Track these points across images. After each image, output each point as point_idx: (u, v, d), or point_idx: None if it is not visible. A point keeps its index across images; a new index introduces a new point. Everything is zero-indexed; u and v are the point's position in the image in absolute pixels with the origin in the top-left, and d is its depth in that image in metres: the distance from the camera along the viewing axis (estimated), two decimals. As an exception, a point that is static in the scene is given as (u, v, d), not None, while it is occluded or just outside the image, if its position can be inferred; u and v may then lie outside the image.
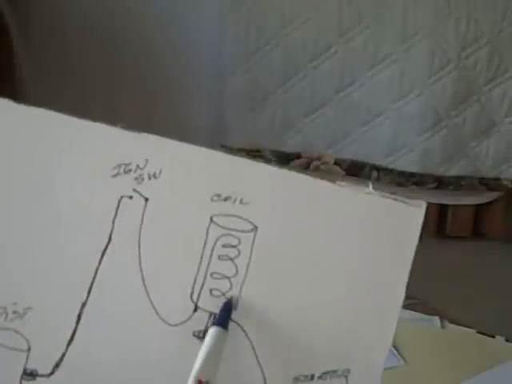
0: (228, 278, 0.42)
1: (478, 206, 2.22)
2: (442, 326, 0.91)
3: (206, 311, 0.43)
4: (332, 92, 2.08)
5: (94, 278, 0.42)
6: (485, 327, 0.92)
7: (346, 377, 0.44)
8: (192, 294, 0.42)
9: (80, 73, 2.17)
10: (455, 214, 2.22)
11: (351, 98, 2.08)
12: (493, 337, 0.90)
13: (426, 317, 0.93)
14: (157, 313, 0.42)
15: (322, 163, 2.14)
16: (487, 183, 2.14)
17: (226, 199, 0.43)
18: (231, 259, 0.43)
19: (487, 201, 2.20)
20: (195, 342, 0.41)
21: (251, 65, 2.09)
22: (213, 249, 0.43)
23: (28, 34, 2.16)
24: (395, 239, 0.44)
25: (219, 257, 0.43)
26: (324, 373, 0.43)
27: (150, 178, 0.43)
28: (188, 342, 0.41)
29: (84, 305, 0.43)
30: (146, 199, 0.43)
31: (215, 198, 0.43)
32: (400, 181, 2.14)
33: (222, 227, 0.43)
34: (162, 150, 0.43)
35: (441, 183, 2.13)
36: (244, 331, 0.42)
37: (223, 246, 0.43)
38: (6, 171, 0.43)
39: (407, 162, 2.11)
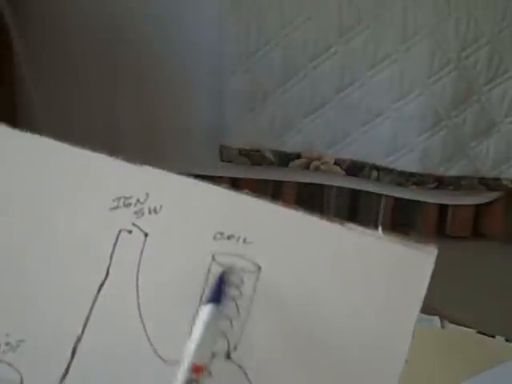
0: (230, 318, 0.42)
1: (478, 206, 2.22)
2: (442, 326, 0.91)
3: None
4: (332, 92, 2.08)
5: (90, 312, 0.42)
6: (485, 327, 0.92)
7: None
8: (191, 333, 0.41)
9: (80, 73, 2.17)
10: (455, 214, 2.22)
11: (351, 98, 2.08)
12: (493, 337, 0.90)
13: (426, 317, 0.93)
14: (155, 351, 0.41)
15: (321, 163, 2.14)
16: (487, 183, 2.14)
17: (229, 238, 0.42)
18: (233, 299, 0.42)
19: (487, 201, 2.20)
20: None
21: (251, 65, 2.09)
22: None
23: (28, 34, 2.16)
24: (404, 285, 0.43)
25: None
26: None
27: (150, 213, 0.42)
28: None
29: (79, 340, 0.42)
30: (146, 234, 0.42)
31: (218, 236, 0.42)
32: (400, 181, 2.14)
33: (224, 266, 0.42)
34: (164, 184, 0.42)
35: (441, 183, 2.13)
36: (244, 373, 0.42)
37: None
38: (3, 199, 0.42)
39: (407, 162, 2.11)
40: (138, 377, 0.41)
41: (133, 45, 2.14)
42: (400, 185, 2.15)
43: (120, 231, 0.42)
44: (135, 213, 0.42)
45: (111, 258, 0.42)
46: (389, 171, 2.13)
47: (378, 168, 2.14)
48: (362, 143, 2.12)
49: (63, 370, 0.42)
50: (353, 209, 2.27)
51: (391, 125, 2.08)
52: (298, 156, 2.09)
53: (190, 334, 0.41)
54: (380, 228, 0.42)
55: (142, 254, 0.42)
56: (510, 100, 2.05)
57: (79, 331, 0.42)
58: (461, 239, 2.22)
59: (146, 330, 0.41)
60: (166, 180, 0.42)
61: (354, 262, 0.42)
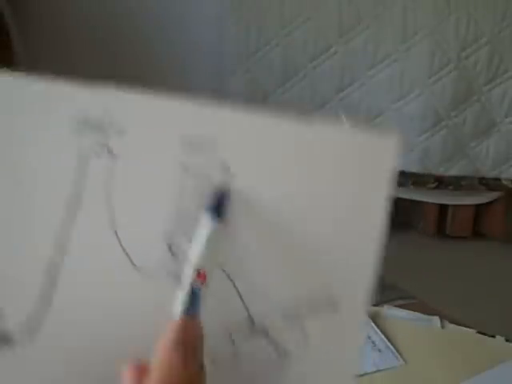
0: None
1: (478, 205, 2.22)
2: (442, 326, 0.91)
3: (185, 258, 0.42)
4: (332, 92, 2.08)
5: (64, 233, 0.42)
6: (485, 327, 0.92)
7: (333, 307, 0.44)
8: (171, 246, 0.42)
9: (80, 72, 2.17)
10: (455, 214, 2.22)
11: (351, 98, 2.08)
12: (493, 337, 0.90)
13: (425, 317, 0.93)
14: (132, 263, 0.42)
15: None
16: (487, 183, 2.14)
17: (196, 145, 0.42)
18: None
19: (487, 201, 2.20)
20: (173, 286, 0.41)
21: (251, 65, 2.09)
22: (188, 195, 0.42)
23: (28, 34, 2.16)
24: (370, 169, 0.43)
25: (198, 206, 0.42)
26: (311, 305, 0.43)
27: (117, 134, 0.42)
28: (165, 286, 0.41)
29: (57, 265, 0.42)
30: (115, 156, 0.43)
31: (186, 145, 0.42)
32: (400, 181, 2.14)
33: (196, 173, 0.42)
34: (128, 104, 0.42)
35: (441, 183, 2.13)
36: (226, 273, 0.42)
37: (199, 193, 0.42)
38: None
39: (407, 162, 2.11)
40: (123, 294, 0.42)
41: (133, 45, 2.14)
42: (400, 185, 2.15)
43: (90, 154, 0.42)
44: (103, 135, 0.42)
45: (80, 181, 0.42)
46: (389, 171, 2.13)
47: (377, 168, 2.14)
48: (362, 143, 2.12)
49: (38, 293, 0.42)
50: (353, 209, 2.26)
51: (391, 125, 2.08)
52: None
53: (169, 248, 0.42)
54: (343, 118, 0.42)
55: (112, 174, 0.42)
56: (510, 100, 2.05)
57: (51, 253, 0.42)
58: (461, 239, 2.22)
59: (122, 245, 0.42)
60: (130, 99, 0.42)
61: (321, 155, 0.43)
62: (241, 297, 0.43)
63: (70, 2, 2.19)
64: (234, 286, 0.43)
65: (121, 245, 0.42)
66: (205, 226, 0.41)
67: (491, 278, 2.06)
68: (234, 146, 0.43)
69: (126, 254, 0.42)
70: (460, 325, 0.93)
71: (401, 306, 0.96)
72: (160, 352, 0.37)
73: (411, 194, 2.20)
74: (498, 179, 2.13)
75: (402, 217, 2.28)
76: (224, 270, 0.42)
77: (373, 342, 0.87)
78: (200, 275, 0.39)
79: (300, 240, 0.43)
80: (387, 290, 1.07)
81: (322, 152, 0.43)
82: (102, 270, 0.42)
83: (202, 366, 0.38)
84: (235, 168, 0.43)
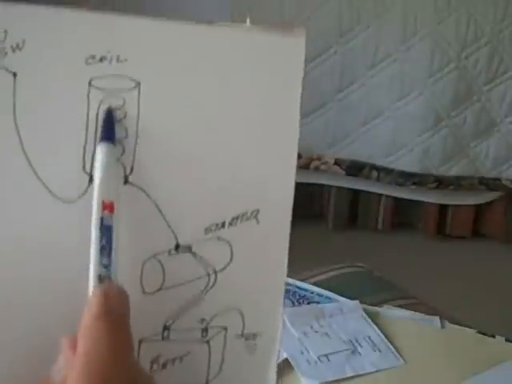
0: (119, 141, 0.40)
1: (477, 205, 2.22)
2: (442, 326, 0.91)
3: None
4: (332, 92, 2.08)
5: None
6: (485, 327, 0.92)
7: (256, 217, 0.43)
8: (84, 165, 0.40)
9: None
10: (455, 214, 2.22)
11: (351, 98, 2.08)
12: (493, 337, 0.90)
13: (426, 317, 0.93)
14: (51, 192, 0.40)
15: (321, 163, 2.14)
16: (487, 183, 2.14)
17: (101, 59, 0.40)
18: (119, 121, 0.40)
19: (487, 201, 2.20)
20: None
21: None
22: (97, 114, 0.40)
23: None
24: (281, 72, 0.42)
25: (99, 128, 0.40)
26: (234, 218, 0.43)
27: (13, 51, 0.39)
28: (89, 215, 0.39)
29: None
30: (14, 74, 0.39)
31: (90, 60, 0.40)
32: (400, 181, 2.14)
33: (103, 89, 0.40)
34: (22, 17, 0.39)
35: (441, 183, 2.13)
36: (145, 193, 0.41)
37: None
38: None
39: (407, 162, 2.11)
40: (41, 223, 0.40)
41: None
42: (400, 185, 2.15)
43: None
44: None
45: None
46: (389, 171, 2.13)
47: (377, 168, 2.14)
48: (362, 143, 2.12)
49: None
50: (353, 209, 2.27)
51: (391, 125, 2.08)
52: (298, 156, 2.08)
53: (83, 168, 0.40)
54: (248, 20, 0.42)
55: (14, 94, 0.39)
56: (510, 100, 2.06)
57: None
58: (461, 239, 2.22)
59: (37, 175, 0.40)
60: (24, 13, 0.39)
61: (230, 57, 0.41)
62: (161, 212, 0.41)
63: (71, 1, 2.19)
64: (153, 202, 0.41)
65: (35, 173, 0.40)
66: (98, 153, 0.39)
67: (491, 278, 2.06)
68: (142, 59, 0.41)
69: (42, 182, 0.40)
70: (460, 325, 0.93)
71: (401, 306, 0.96)
72: (84, 320, 0.36)
73: (411, 194, 2.20)
74: (498, 179, 2.13)
75: (402, 217, 2.28)
76: (140, 187, 0.41)
77: (373, 342, 0.87)
78: (106, 206, 0.38)
79: (214, 152, 0.42)
80: (387, 290, 1.07)
81: (228, 55, 0.41)
82: (17, 199, 0.40)
83: (129, 332, 0.37)
84: (143, 81, 0.40)
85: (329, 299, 0.95)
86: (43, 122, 0.40)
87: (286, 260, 0.44)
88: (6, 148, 0.40)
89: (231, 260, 0.43)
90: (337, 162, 2.15)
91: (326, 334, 0.87)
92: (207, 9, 2.10)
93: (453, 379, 0.83)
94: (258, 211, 0.43)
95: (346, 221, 2.26)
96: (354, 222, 2.27)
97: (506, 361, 0.85)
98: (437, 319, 0.92)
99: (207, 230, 0.42)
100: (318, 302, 0.94)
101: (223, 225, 0.43)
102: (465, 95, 2.05)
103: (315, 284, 0.99)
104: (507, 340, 0.90)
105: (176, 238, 0.42)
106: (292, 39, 0.42)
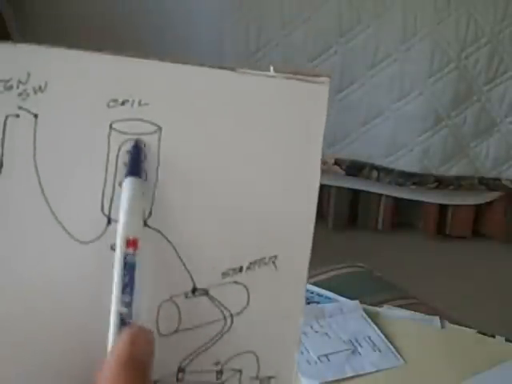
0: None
1: (477, 205, 2.22)
2: (442, 326, 0.91)
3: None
4: (332, 92, 2.07)
5: None
6: (485, 327, 0.92)
7: (274, 263, 0.43)
8: (103, 207, 0.40)
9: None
10: (455, 214, 2.22)
11: (351, 97, 2.08)
12: (493, 337, 0.90)
13: (426, 317, 0.93)
14: (69, 234, 0.40)
15: (321, 163, 2.14)
16: (487, 183, 2.14)
17: (123, 103, 0.40)
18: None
19: (487, 201, 2.20)
20: (114, 256, 0.40)
21: (251, 65, 2.09)
22: (117, 157, 0.40)
23: (28, 34, 2.16)
24: (304, 119, 0.43)
25: (125, 164, 0.40)
26: (252, 263, 0.43)
27: (35, 93, 0.39)
28: (106, 256, 0.39)
29: None
30: (35, 115, 0.40)
31: (112, 103, 0.40)
32: (400, 181, 2.14)
33: (124, 133, 0.40)
34: (45, 60, 0.40)
35: (441, 183, 2.13)
36: (163, 236, 0.41)
37: (128, 152, 0.40)
38: None
39: (407, 162, 2.11)
40: (59, 263, 0.40)
41: (133, 45, 2.14)
42: (400, 185, 2.15)
43: (7, 117, 0.39)
44: (19, 95, 0.39)
45: (2, 146, 0.39)
46: (389, 171, 2.13)
47: (377, 168, 2.14)
48: (362, 143, 2.12)
49: None
50: (353, 209, 2.27)
51: (391, 125, 2.08)
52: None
53: (101, 210, 0.40)
54: (272, 68, 0.41)
55: (35, 136, 0.40)
56: (510, 100, 2.05)
57: None
58: (461, 239, 2.22)
59: (56, 217, 0.40)
60: (47, 55, 0.40)
61: (253, 104, 0.41)
62: (179, 256, 0.42)
63: (70, 2, 2.19)
64: (172, 245, 0.41)
65: (54, 215, 0.40)
66: (125, 188, 0.39)
67: (491, 277, 2.06)
68: (164, 103, 0.41)
69: (61, 224, 0.40)
70: (460, 325, 0.93)
71: (401, 306, 0.96)
72: (109, 366, 0.35)
73: (411, 194, 2.20)
74: (498, 179, 2.13)
75: (402, 217, 2.28)
76: (159, 231, 0.41)
77: (373, 342, 0.87)
78: (130, 243, 0.38)
79: (234, 197, 0.42)
80: (387, 290, 1.07)
81: (251, 102, 0.41)
82: (35, 241, 0.40)
83: (151, 380, 0.36)
84: (164, 125, 0.41)
85: (329, 299, 0.95)
86: (63, 164, 0.40)
87: (303, 305, 0.44)
88: (25, 189, 0.40)
89: (248, 304, 0.43)
90: (337, 162, 2.15)
91: (326, 334, 0.87)
92: (207, 8, 2.10)
93: (453, 379, 0.83)
94: (275, 257, 0.43)
95: (346, 221, 2.26)
96: (354, 222, 2.27)
97: (506, 361, 0.85)
98: (437, 319, 0.92)
99: (224, 275, 0.42)
100: (318, 302, 0.94)
101: (241, 269, 0.43)
102: (465, 95, 2.05)
103: (315, 284, 0.99)
104: (507, 340, 0.90)
105: (193, 281, 0.42)
106: (316, 86, 0.42)
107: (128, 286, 0.37)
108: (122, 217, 0.38)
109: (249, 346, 0.44)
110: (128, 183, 0.39)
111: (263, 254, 0.43)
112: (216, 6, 2.09)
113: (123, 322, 0.37)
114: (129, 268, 0.38)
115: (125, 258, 0.38)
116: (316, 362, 0.82)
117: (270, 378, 0.45)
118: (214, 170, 0.42)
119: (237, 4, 2.06)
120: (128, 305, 0.37)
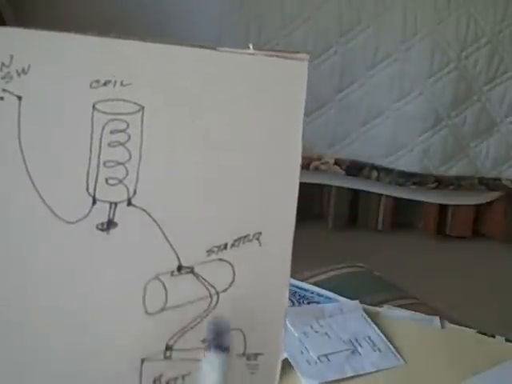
0: (122, 163, 0.41)
1: (478, 205, 2.22)
2: (442, 326, 0.91)
3: (105, 202, 0.41)
4: (332, 92, 2.08)
5: None
6: (485, 327, 0.92)
7: (258, 240, 0.44)
8: (88, 187, 0.41)
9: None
10: (455, 214, 2.22)
11: (351, 98, 2.08)
12: (493, 337, 0.90)
13: (426, 317, 0.93)
14: (54, 214, 0.40)
15: (321, 163, 2.14)
16: (487, 183, 2.14)
17: (105, 83, 0.40)
18: (122, 144, 0.41)
19: (487, 201, 2.20)
20: (99, 235, 0.40)
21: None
22: (101, 137, 0.41)
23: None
24: (284, 96, 0.43)
25: (109, 144, 0.41)
26: (236, 240, 0.43)
27: (19, 75, 0.40)
28: (92, 236, 0.40)
29: None
30: (19, 97, 0.40)
31: (94, 84, 0.40)
32: (400, 181, 2.14)
33: (107, 113, 0.41)
34: (28, 42, 0.40)
35: (441, 183, 2.13)
36: (148, 214, 0.42)
37: (111, 132, 0.41)
38: None
39: (407, 162, 2.11)
40: (46, 243, 0.41)
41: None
42: (400, 185, 2.15)
43: None
44: (2, 78, 0.39)
45: None
46: (389, 171, 2.13)
47: (377, 168, 2.14)
48: (362, 143, 2.12)
49: None
50: (353, 209, 2.27)
51: (391, 125, 2.08)
52: (298, 156, 2.09)
53: (86, 190, 0.40)
54: (251, 46, 0.42)
55: (19, 118, 0.40)
56: (510, 100, 2.05)
57: None
58: (461, 239, 2.22)
59: (41, 197, 0.40)
60: (30, 38, 0.40)
61: (234, 81, 0.42)
62: (164, 234, 0.42)
63: (70, 2, 2.19)
64: (156, 223, 0.42)
65: (40, 195, 0.40)
66: (211, 362, 0.41)
67: (491, 278, 2.06)
68: (145, 83, 0.41)
69: (46, 204, 0.40)
70: (460, 325, 0.93)
71: (401, 306, 0.96)
72: None
73: (411, 194, 2.20)
74: (498, 179, 2.13)
75: (402, 217, 2.28)
76: (144, 210, 0.41)
77: (373, 342, 0.87)
78: None
79: (217, 174, 0.42)
80: (387, 290, 1.07)
81: (232, 80, 0.42)
82: (22, 220, 0.40)
83: None
84: (146, 105, 0.41)
85: (329, 299, 0.95)
86: (47, 145, 0.40)
87: (288, 282, 0.45)
88: (11, 170, 0.40)
89: (233, 281, 0.44)
90: (337, 162, 2.15)
91: (326, 334, 0.87)
92: (207, 8, 2.10)
93: (453, 379, 0.83)
94: (260, 233, 0.44)
95: (346, 221, 2.26)
96: (354, 222, 2.27)
97: (506, 361, 0.85)
98: (437, 319, 0.92)
99: (209, 252, 0.43)
100: (318, 302, 0.94)
101: (225, 246, 0.43)
102: (465, 95, 2.05)
103: (315, 284, 0.99)
104: (507, 340, 0.90)
105: (178, 259, 0.43)
106: (295, 62, 0.42)
107: None
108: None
109: (235, 324, 0.44)
110: (214, 357, 0.41)
111: (247, 231, 0.43)
112: (216, 6, 2.08)
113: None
114: None
115: None
116: (316, 362, 0.82)
117: (256, 354, 0.45)
118: (195, 147, 0.42)
119: (237, 4, 2.06)
120: None
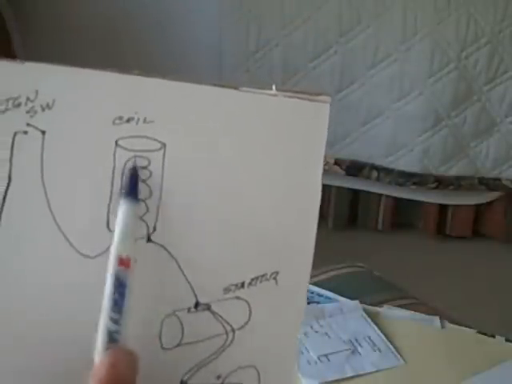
0: (143, 200, 0.41)
1: (478, 205, 2.22)
2: (442, 326, 0.92)
3: None
4: (332, 92, 2.08)
5: None
6: (485, 327, 0.92)
7: (275, 279, 0.44)
8: (108, 223, 0.41)
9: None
10: (455, 214, 2.22)
11: (351, 97, 2.08)
12: (493, 337, 0.90)
13: (426, 317, 0.93)
14: (74, 248, 0.41)
15: (322, 163, 2.14)
16: (487, 183, 2.14)
17: (128, 120, 0.41)
18: (143, 181, 0.41)
19: (487, 201, 2.20)
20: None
21: (251, 64, 2.09)
22: (123, 174, 0.41)
23: (28, 34, 2.16)
24: (305, 137, 0.43)
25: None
26: (253, 279, 0.43)
27: (43, 110, 0.40)
28: None
29: None
30: (43, 132, 0.40)
31: (117, 121, 0.41)
32: (400, 181, 2.14)
33: (129, 150, 0.41)
34: (53, 78, 0.40)
35: (441, 183, 2.13)
36: (167, 251, 0.42)
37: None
38: None
39: (407, 162, 2.11)
40: (65, 279, 0.41)
41: (133, 45, 2.14)
42: (400, 185, 2.15)
43: (15, 133, 0.40)
44: (27, 112, 0.40)
45: (11, 162, 0.40)
46: (389, 171, 2.13)
47: (377, 168, 2.14)
48: (362, 143, 2.12)
49: None
50: (353, 209, 2.27)
51: (391, 125, 2.08)
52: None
53: (107, 225, 0.41)
54: (274, 87, 0.42)
55: (42, 152, 0.40)
56: (510, 100, 2.05)
57: None
58: (461, 239, 2.22)
59: (63, 232, 0.41)
60: (55, 73, 0.40)
61: (255, 122, 0.42)
62: (182, 271, 0.42)
63: (71, 2, 2.19)
64: (175, 260, 0.42)
65: (60, 230, 0.41)
66: (119, 210, 0.40)
67: (491, 278, 2.06)
68: (168, 120, 0.41)
69: (67, 239, 0.41)
70: (460, 325, 0.93)
71: (401, 306, 0.97)
72: None
73: (411, 194, 2.20)
74: (498, 179, 2.13)
75: (402, 217, 2.28)
76: (162, 246, 0.42)
77: (373, 342, 0.87)
78: (122, 261, 0.39)
79: (236, 213, 0.43)
80: (387, 290, 1.07)
81: (253, 120, 0.42)
82: (43, 256, 0.41)
83: None
84: (168, 142, 0.41)
85: (329, 299, 0.95)
86: (69, 180, 0.41)
87: (302, 318, 0.45)
88: (32, 204, 0.41)
89: (249, 319, 0.44)
90: (337, 162, 2.15)
91: (326, 334, 0.87)
92: (207, 8, 2.10)
93: (453, 379, 0.83)
94: (277, 273, 0.44)
95: (346, 221, 2.26)
96: (354, 222, 2.27)
97: (506, 361, 0.86)
98: (437, 319, 0.92)
99: (226, 290, 0.43)
100: (318, 302, 0.94)
101: (242, 285, 0.43)
102: (465, 95, 2.05)
103: (315, 284, 0.99)
104: (507, 340, 0.90)
105: (196, 296, 0.43)
106: (317, 104, 0.43)
107: (117, 304, 0.38)
108: (115, 235, 0.39)
109: (250, 361, 0.44)
110: (123, 203, 0.40)
111: (265, 270, 0.43)
112: (216, 6, 2.09)
113: (111, 338, 0.37)
114: (119, 285, 0.38)
115: (116, 275, 0.38)
116: (316, 362, 0.82)
117: None
118: (216, 186, 0.42)
119: (237, 4, 2.06)
120: (116, 322, 0.38)
